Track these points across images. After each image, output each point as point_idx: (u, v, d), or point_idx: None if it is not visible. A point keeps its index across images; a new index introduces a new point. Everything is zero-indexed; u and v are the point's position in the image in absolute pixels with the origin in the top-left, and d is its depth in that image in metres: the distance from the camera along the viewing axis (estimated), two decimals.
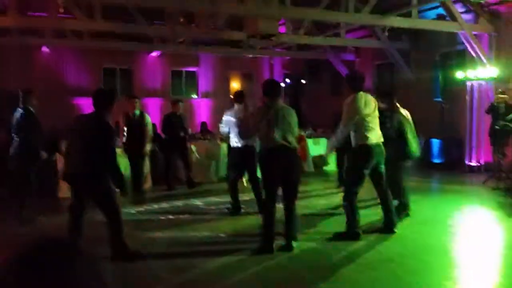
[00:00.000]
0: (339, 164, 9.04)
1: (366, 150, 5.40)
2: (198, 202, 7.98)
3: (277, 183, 5.05)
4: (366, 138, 5.37)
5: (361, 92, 5.47)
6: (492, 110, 9.95)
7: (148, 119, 8.19)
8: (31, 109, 6.47)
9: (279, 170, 4.98)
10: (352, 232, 5.43)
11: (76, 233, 4.74)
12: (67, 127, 5.25)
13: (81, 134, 4.77)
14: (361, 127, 5.38)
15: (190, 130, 9.30)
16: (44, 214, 6.67)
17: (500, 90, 10.00)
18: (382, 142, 5.56)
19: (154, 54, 14.85)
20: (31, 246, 0.91)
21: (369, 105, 5.46)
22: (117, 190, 4.89)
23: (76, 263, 0.91)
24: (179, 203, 7.93)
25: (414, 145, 6.61)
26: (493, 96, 10.35)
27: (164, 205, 7.80)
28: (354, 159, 5.55)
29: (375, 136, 5.46)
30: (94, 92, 5.01)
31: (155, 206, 7.70)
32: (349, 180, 5.62)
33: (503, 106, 9.71)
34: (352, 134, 5.48)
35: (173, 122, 9.14)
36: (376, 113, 5.56)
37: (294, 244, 5.10)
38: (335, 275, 4.41)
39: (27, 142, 6.38)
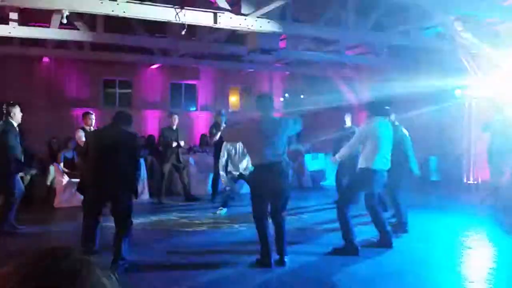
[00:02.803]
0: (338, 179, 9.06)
1: (370, 174, 5.46)
2: (193, 214, 7.94)
3: (266, 199, 5.02)
4: (372, 162, 5.43)
5: (380, 117, 5.58)
6: (489, 128, 9.97)
7: None
8: (12, 122, 6.40)
9: (269, 186, 4.94)
10: (351, 247, 5.41)
11: (92, 244, 4.79)
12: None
13: (104, 144, 4.82)
14: (370, 150, 5.46)
15: (182, 143, 9.28)
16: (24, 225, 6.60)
17: (497, 107, 10.04)
18: (387, 170, 5.63)
19: (154, 66, 14.90)
20: (41, 254, 0.87)
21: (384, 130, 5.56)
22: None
23: (90, 276, 0.88)
24: (176, 215, 7.89)
25: (414, 162, 6.68)
26: (490, 114, 10.38)
27: (161, 216, 7.77)
28: (357, 178, 5.59)
29: (382, 161, 5.52)
30: (119, 111, 5.21)
31: (152, 218, 7.67)
32: (345, 196, 5.63)
33: (501, 124, 9.74)
34: (360, 156, 5.56)
35: (166, 135, 9.21)
36: (390, 138, 5.64)
37: (286, 258, 5.01)
38: None
39: (4, 156, 6.31)
